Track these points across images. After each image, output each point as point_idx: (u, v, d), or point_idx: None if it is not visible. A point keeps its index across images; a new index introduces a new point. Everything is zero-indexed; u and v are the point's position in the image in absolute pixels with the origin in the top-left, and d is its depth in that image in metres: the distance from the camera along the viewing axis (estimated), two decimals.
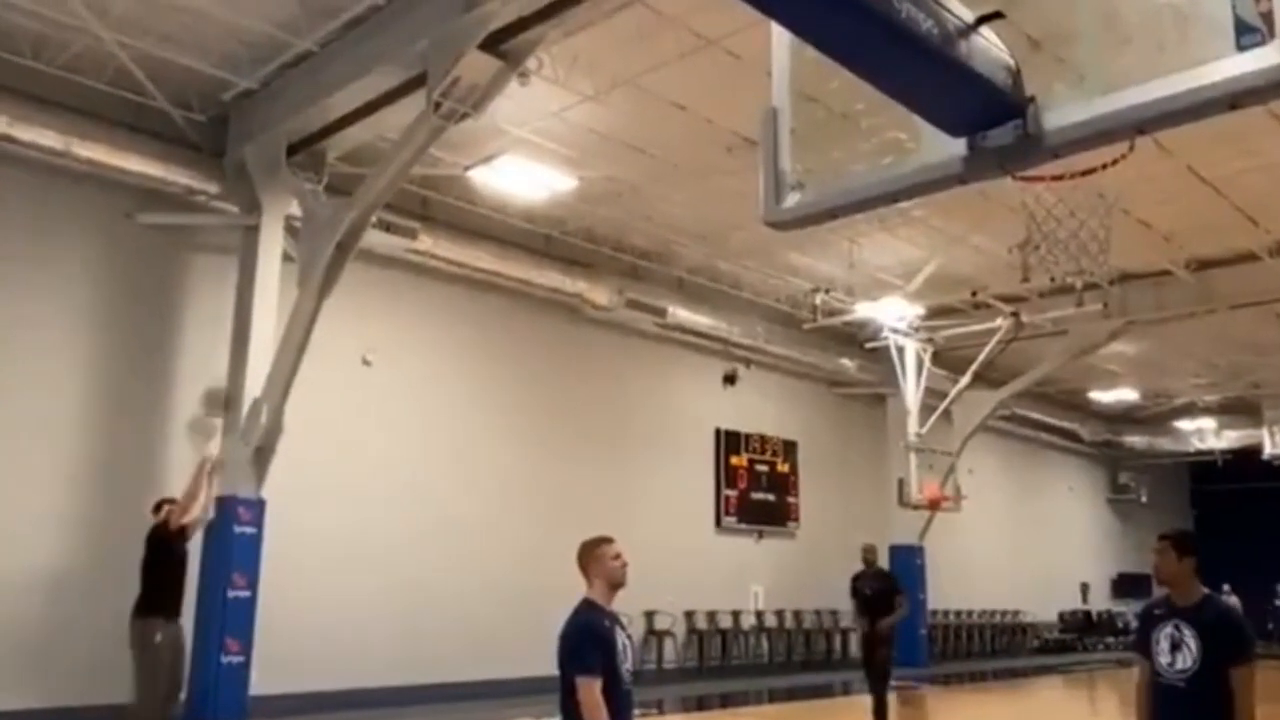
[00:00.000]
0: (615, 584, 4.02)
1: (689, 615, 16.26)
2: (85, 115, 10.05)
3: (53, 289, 10.37)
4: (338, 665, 11.50)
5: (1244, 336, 18.64)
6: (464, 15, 8.25)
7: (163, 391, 10.96)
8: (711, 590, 16.63)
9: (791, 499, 18.70)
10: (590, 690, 3.73)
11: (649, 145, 12.03)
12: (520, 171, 12.10)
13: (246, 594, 10.01)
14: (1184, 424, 27.05)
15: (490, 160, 11.72)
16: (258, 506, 10.27)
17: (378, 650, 11.91)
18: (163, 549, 7.95)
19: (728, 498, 17.44)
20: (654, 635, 15.52)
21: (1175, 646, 4.19)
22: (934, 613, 20.40)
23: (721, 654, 16.69)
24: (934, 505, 17.93)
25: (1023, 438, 25.04)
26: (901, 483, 17.71)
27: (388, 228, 11.85)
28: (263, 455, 10.26)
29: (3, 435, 9.80)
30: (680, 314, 15.82)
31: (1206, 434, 26.96)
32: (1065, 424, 25.46)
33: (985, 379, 18.09)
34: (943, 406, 17.95)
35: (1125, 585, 27.86)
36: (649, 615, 15.42)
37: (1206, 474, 29.73)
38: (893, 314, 16.76)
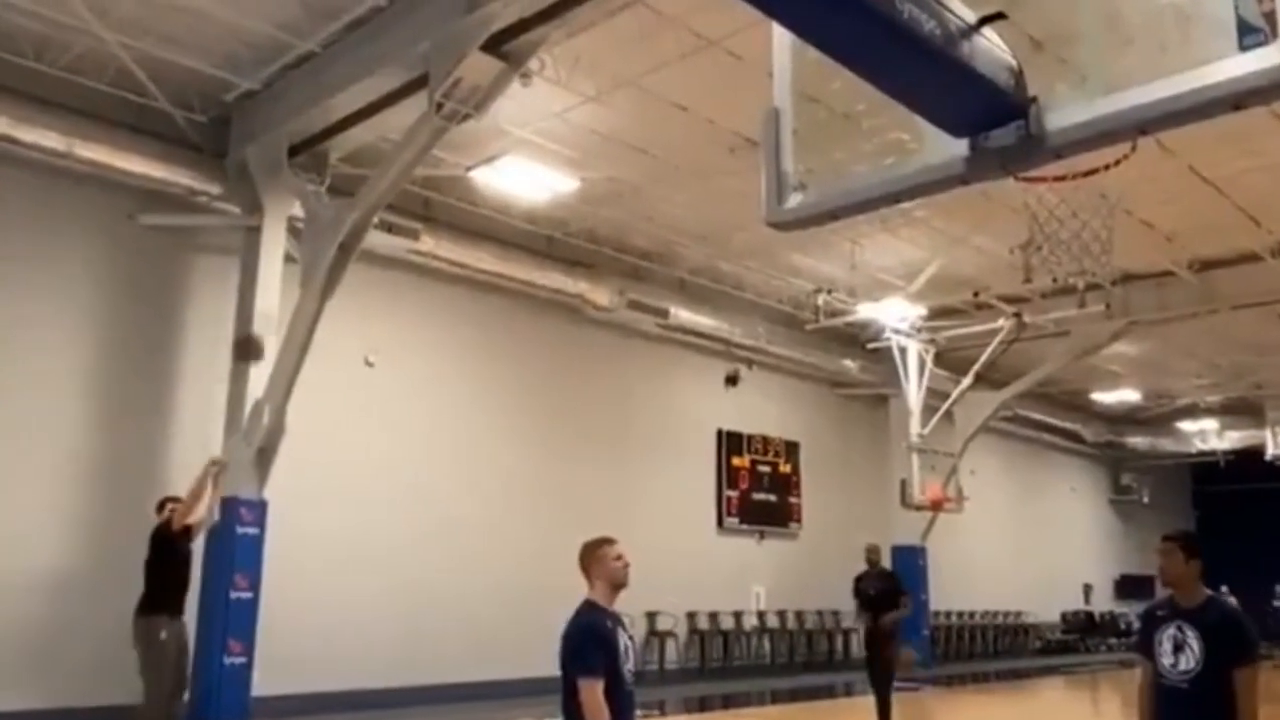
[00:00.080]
0: (617, 585, 4.01)
1: (691, 616, 16.25)
2: (87, 116, 10.06)
3: (55, 290, 10.38)
4: (340, 666, 11.50)
5: (1246, 337, 18.61)
6: (466, 16, 8.25)
7: (165, 392, 10.97)
8: (713, 591, 16.62)
9: (793, 500, 18.69)
10: (592, 691, 3.73)
11: (651, 146, 12.03)
12: (522, 172, 12.10)
13: (249, 595, 10.01)
14: (1186, 425, 27.02)
15: (492, 161, 11.72)
16: (260, 507, 10.27)
17: (380, 651, 11.91)
18: (166, 548, 7.96)
19: (729, 498, 17.44)
20: (656, 636, 15.51)
21: (1178, 648, 4.18)
22: (936, 614, 20.37)
23: (723, 655, 16.68)
24: (936, 506, 17.91)
25: (1025, 438, 25.02)
26: (904, 483, 17.70)
27: (390, 229, 11.85)
28: (265, 456, 10.25)
29: (5, 435, 9.81)
30: (682, 315, 15.82)
31: (1209, 435, 26.94)
32: (1067, 425, 25.44)
33: (987, 380, 18.08)
34: (945, 407, 17.94)
35: (1128, 586, 27.84)
36: (651, 616, 15.41)
37: (1209, 475, 29.71)
38: (895, 315, 16.74)
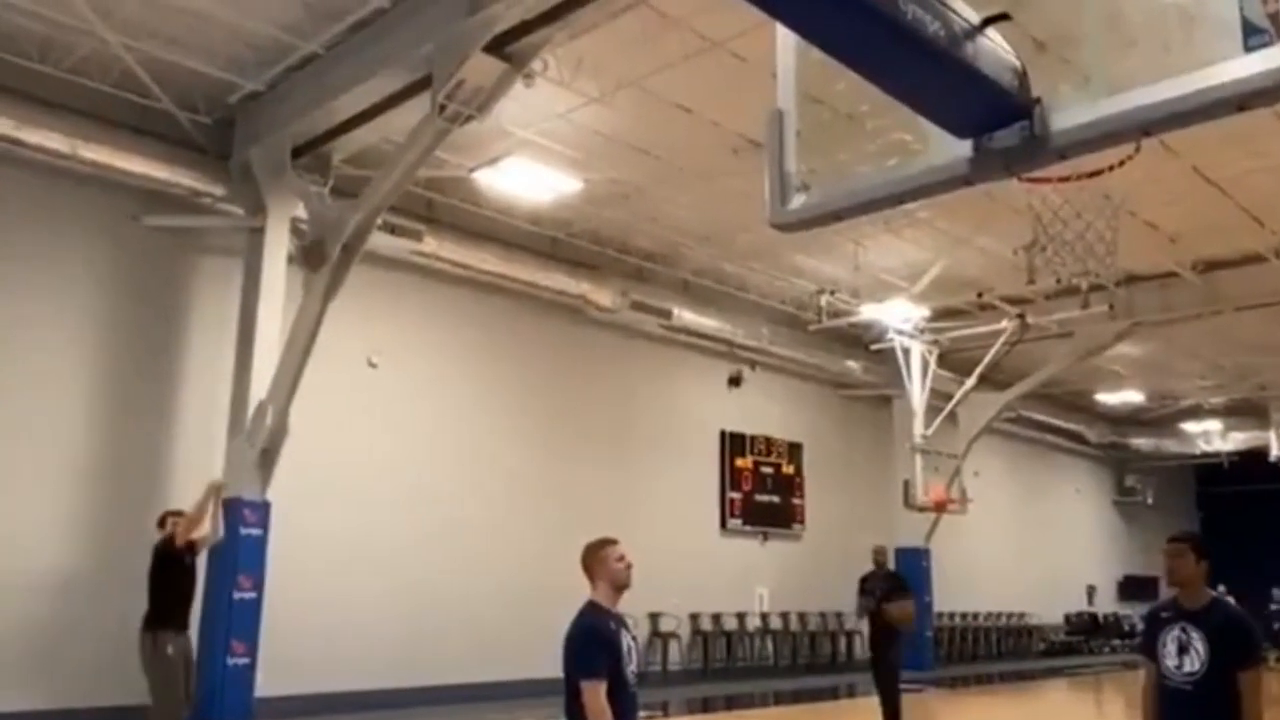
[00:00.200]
0: (619, 586, 4.01)
1: (694, 617, 16.25)
2: (91, 118, 10.08)
3: (58, 290, 10.39)
4: (343, 667, 11.51)
5: (1250, 338, 18.57)
6: (469, 18, 8.26)
7: (168, 393, 10.98)
8: (716, 592, 16.61)
9: (797, 501, 18.67)
10: (595, 693, 3.72)
11: (654, 147, 12.03)
12: (525, 173, 12.10)
13: (252, 596, 10.02)
14: (1190, 426, 26.98)
15: (495, 162, 11.73)
16: (263, 508, 10.28)
17: (383, 652, 11.92)
18: (170, 564, 7.93)
19: (733, 500, 17.43)
20: (659, 637, 15.50)
21: (1183, 649, 4.17)
22: (939, 615, 20.33)
23: (726, 656, 16.67)
24: (939, 507, 17.90)
25: (1028, 440, 25.00)
26: (907, 485, 17.69)
27: (393, 230, 11.87)
28: (268, 457, 10.26)
29: (8, 436, 9.82)
30: (685, 316, 15.82)
31: (1213, 436, 26.89)
32: (1071, 426, 25.41)
33: (991, 381, 18.07)
34: (948, 408, 17.93)
35: (1131, 587, 27.79)
36: (654, 617, 15.40)
37: (1213, 476, 29.66)
38: (898, 316, 16.74)
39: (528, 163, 11.89)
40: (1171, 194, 12.45)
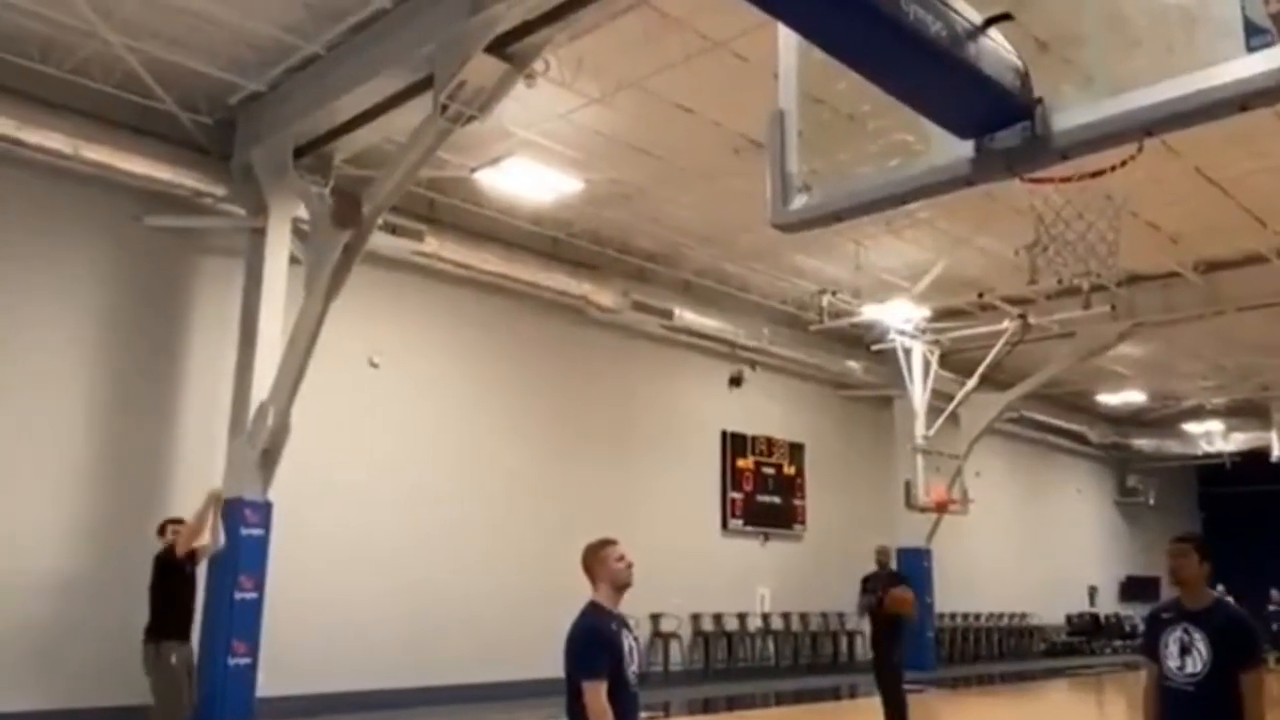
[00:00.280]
0: (620, 585, 4.01)
1: (695, 618, 16.24)
2: (92, 118, 10.08)
3: (59, 291, 10.39)
4: (344, 667, 11.51)
5: (1252, 338, 18.56)
6: (470, 18, 8.25)
7: (170, 393, 10.99)
8: (717, 593, 16.61)
9: (798, 501, 18.67)
10: (596, 694, 3.72)
11: (655, 147, 12.03)
12: (526, 174, 12.10)
13: (253, 596, 10.03)
14: (1192, 426, 26.97)
15: (497, 162, 11.72)
16: (265, 509, 10.28)
17: (384, 652, 11.92)
18: (171, 574, 7.92)
19: (734, 500, 17.43)
20: (660, 638, 15.50)
21: (1185, 650, 4.17)
22: (941, 615, 20.32)
23: (728, 657, 16.67)
24: (941, 508, 17.88)
25: (1030, 440, 24.98)
26: (908, 485, 17.68)
27: (394, 230, 11.87)
28: (270, 457, 10.26)
29: (9, 437, 9.83)
30: (687, 316, 15.81)
31: (1214, 437, 26.87)
32: (1073, 426, 25.39)
33: (992, 381, 18.05)
34: (950, 409, 17.92)
35: (1133, 588, 27.76)
36: (655, 618, 15.40)
37: (1214, 477, 29.63)
38: (899, 316, 16.73)
39: (529, 163, 11.89)
40: (1173, 194, 12.44)
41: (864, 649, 15.22)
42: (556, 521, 13.55)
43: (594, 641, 3.84)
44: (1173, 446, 28.13)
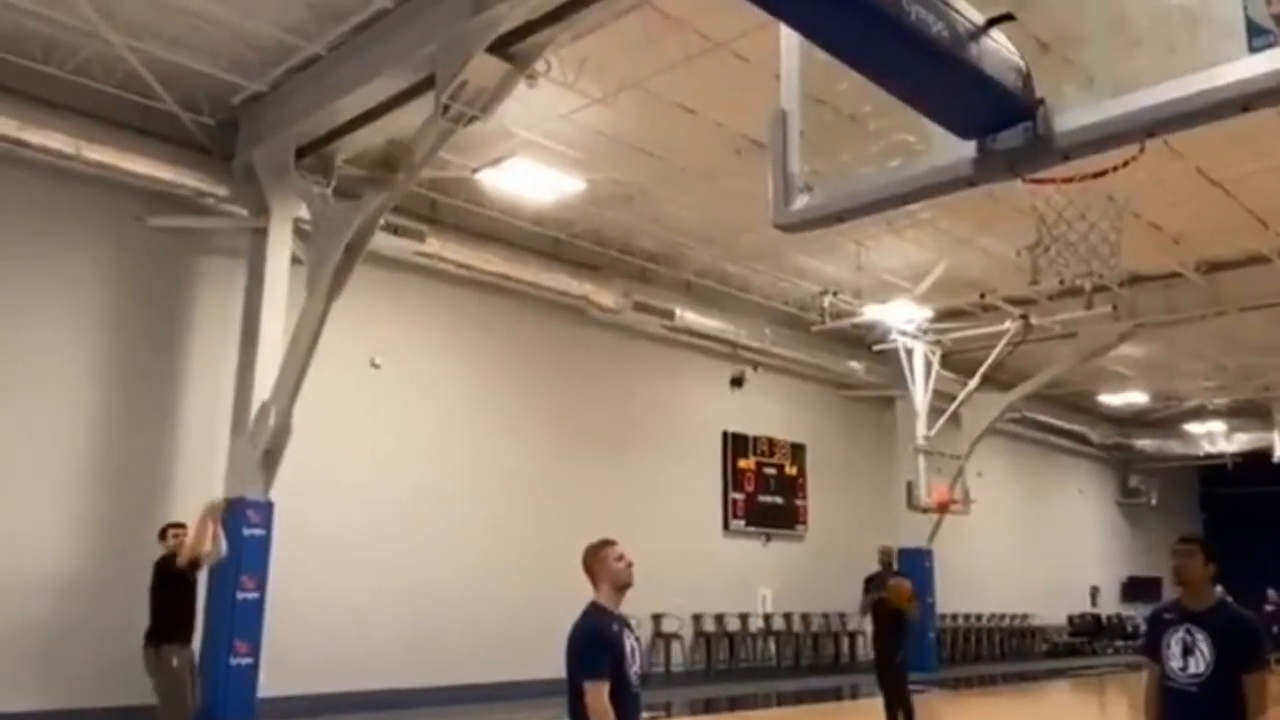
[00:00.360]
0: (621, 585, 4.01)
1: (696, 618, 16.24)
2: (94, 118, 10.09)
3: (61, 291, 10.40)
4: (345, 667, 11.51)
5: (1254, 339, 18.54)
6: (472, 18, 8.25)
7: (171, 394, 10.99)
8: (719, 593, 16.61)
9: (799, 502, 18.67)
10: (597, 694, 3.72)
11: (657, 148, 12.03)
12: (528, 174, 12.11)
13: (255, 596, 10.03)
14: (1194, 427, 26.94)
15: (498, 163, 11.73)
16: (266, 509, 10.29)
17: (385, 652, 11.92)
18: (172, 580, 7.92)
19: (735, 501, 17.42)
20: (661, 638, 15.50)
21: (1187, 651, 4.16)
22: (943, 616, 20.32)
23: (729, 657, 16.67)
24: (943, 508, 17.87)
25: (1032, 440, 24.97)
26: (910, 485, 17.67)
27: (396, 230, 11.87)
28: (271, 458, 10.27)
29: (10, 437, 9.84)
30: (688, 316, 15.81)
31: (1217, 437, 26.84)
32: (1074, 427, 25.37)
33: (994, 381, 18.04)
34: (951, 409, 17.90)
35: (1135, 589, 27.75)
36: (656, 618, 15.40)
37: (1216, 477, 29.58)
38: (901, 316, 16.72)
39: (531, 163, 11.89)
40: (1176, 195, 12.43)
41: (865, 650, 15.20)
42: (558, 522, 13.54)
43: (595, 642, 3.84)
44: (1175, 447, 28.11)
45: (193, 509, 8.40)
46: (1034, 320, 16.46)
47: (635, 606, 4.09)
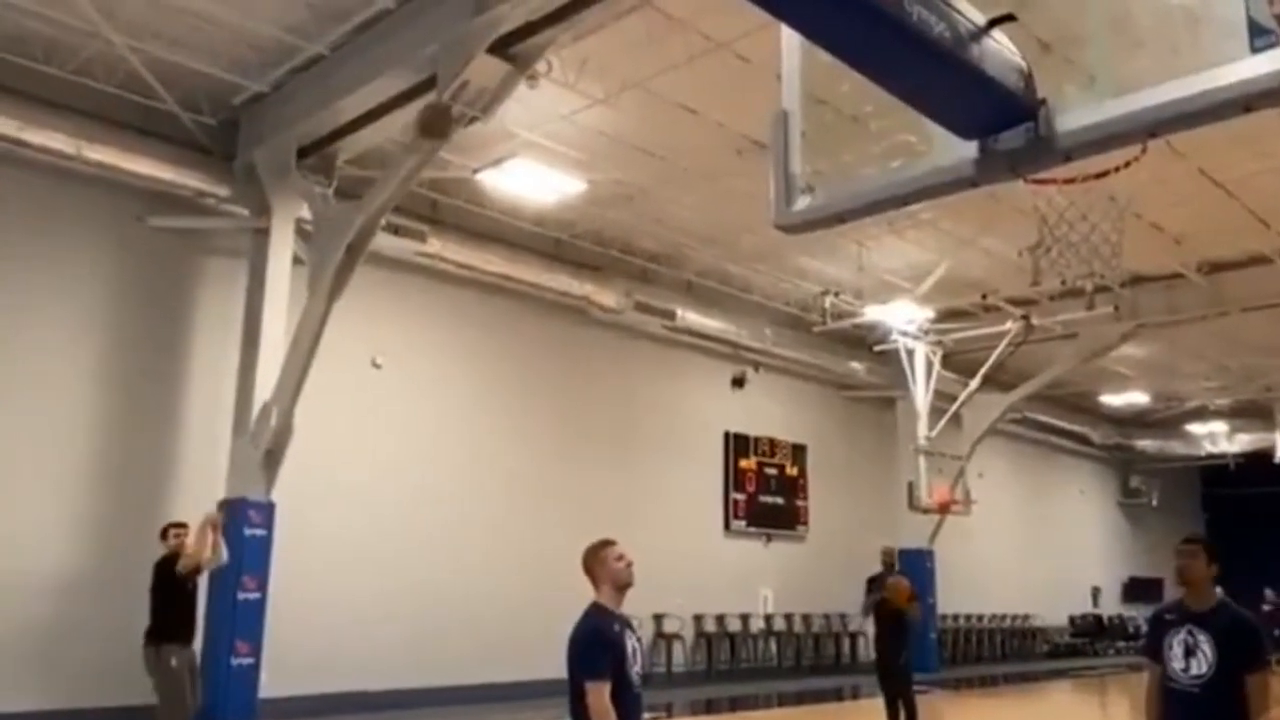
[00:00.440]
0: (621, 585, 4.00)
1: (698, 619, 16.23)
2: (95, 119, 10.09)
3: (62, 291, 10.40)
4: (347, 667, 11.51)
5: (1256, 339, 18.53)
6: (473, 19, 8.25)
7: (173, 394, 10.99)
8: (720, 593, 16.60)
9: (800, 502, 18.66)
10: (599, 695, 3.72)
11: (658, 148, 12.02)
12: (529, 174, 12.10)
13: (256, 596, 10.03)
14: (1195, 427, 26.92)
15: (499, 163, 11.72)
16: (268, 509, 10.28)
17: (387, 652, 11.91)
18: (173, 583, 7.93)
19: (736, 501, 17.42)
20: (662, 638, 15.50)
21: (1189, 652, 4.16)
22: (944, 617, 20.30)
23: (730, 657, 16.66)
24: (944, 509, 17.86)
25: (1033, 441, 24.95)
26: (911, 486, 17.66)
27: (397, 231, 11.87)
28: (272, 458, 10.27)
29: (11, 437, 9.83)
30: (689, 317, 15.81)
31: (1218, 438, 26.81)
32: (1076, 427, 25.35)
33: (995, 382, 18.04)
34: (953, 410, 17.89)
35: (1136, 589, 27.72)
36: (657, 618, 15.39)
37: (1218, 478, 29.57)
38: (902, 317, 16.72)
39: (532, 164, 11.89)
40: (1177, 195, 12.42)
41: (866, 650, 15.20)
42: (558, 522, 13.54)
43: (596, 642, 3.84)
44: (1176, 448, 28.10)
45: (193, 509, 8.43)
46: (1035, 321, 16.45)
47: (636, 607, 4.08)
